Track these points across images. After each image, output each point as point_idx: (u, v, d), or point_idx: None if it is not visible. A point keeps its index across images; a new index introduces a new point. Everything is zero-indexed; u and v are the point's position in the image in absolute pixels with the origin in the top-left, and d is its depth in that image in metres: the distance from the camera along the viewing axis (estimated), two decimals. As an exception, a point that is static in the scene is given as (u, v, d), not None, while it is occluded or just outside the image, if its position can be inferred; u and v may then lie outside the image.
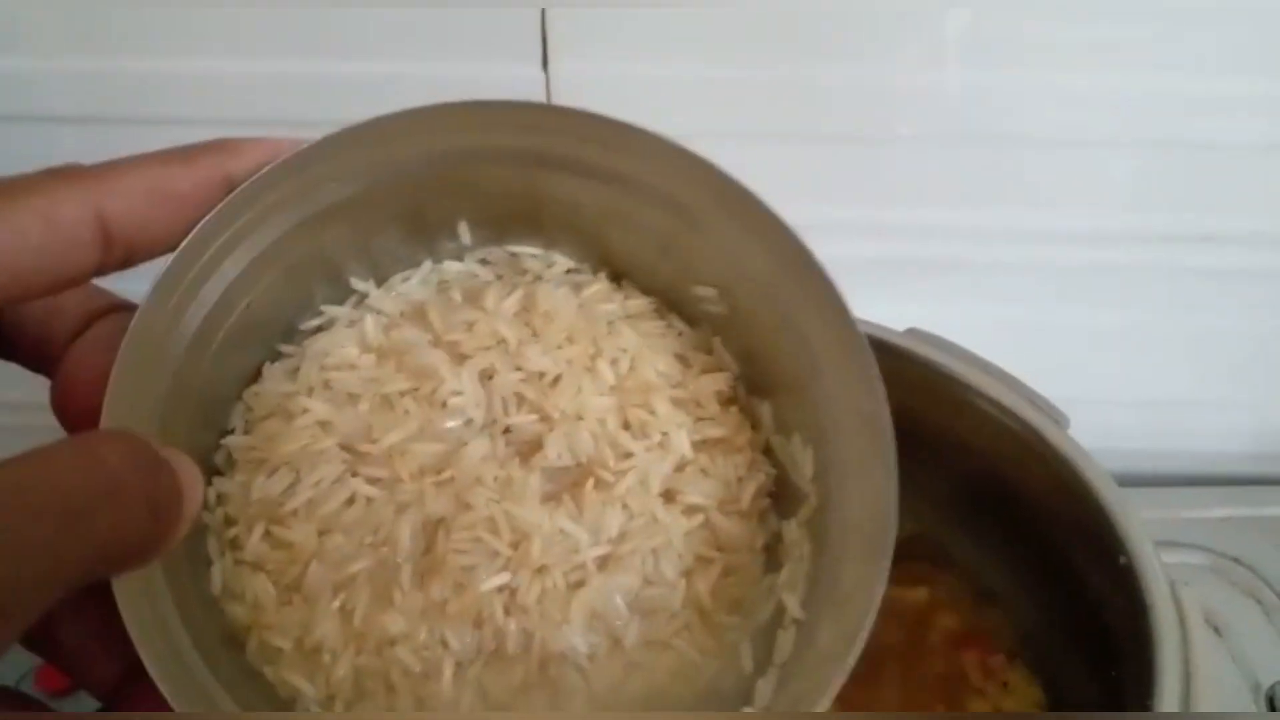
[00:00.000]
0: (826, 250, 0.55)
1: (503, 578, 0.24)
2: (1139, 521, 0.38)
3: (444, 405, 0.25)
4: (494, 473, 0.24)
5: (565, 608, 0.24)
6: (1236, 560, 0.60)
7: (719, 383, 0.28)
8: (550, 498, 0.25)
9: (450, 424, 0.25)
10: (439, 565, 0.24)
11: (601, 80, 0.51)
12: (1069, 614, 0.42)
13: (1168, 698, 0.33)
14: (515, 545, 0.24)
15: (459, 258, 0.28)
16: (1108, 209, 0.56)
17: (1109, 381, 0.62)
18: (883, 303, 0.56)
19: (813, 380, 0.26)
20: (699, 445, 0.27)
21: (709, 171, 0.25)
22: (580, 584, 0.24)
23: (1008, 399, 0.42)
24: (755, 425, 0.28)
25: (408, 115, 0.25)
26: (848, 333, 0.25)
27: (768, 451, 0.28)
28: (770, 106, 0.53)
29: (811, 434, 0.27)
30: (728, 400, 0.28)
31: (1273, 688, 0.52)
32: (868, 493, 0.24)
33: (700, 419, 0.28)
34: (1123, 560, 0.37)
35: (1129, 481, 0.62)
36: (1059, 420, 0.42)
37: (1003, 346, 0.59)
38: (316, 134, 0.25)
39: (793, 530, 0.26)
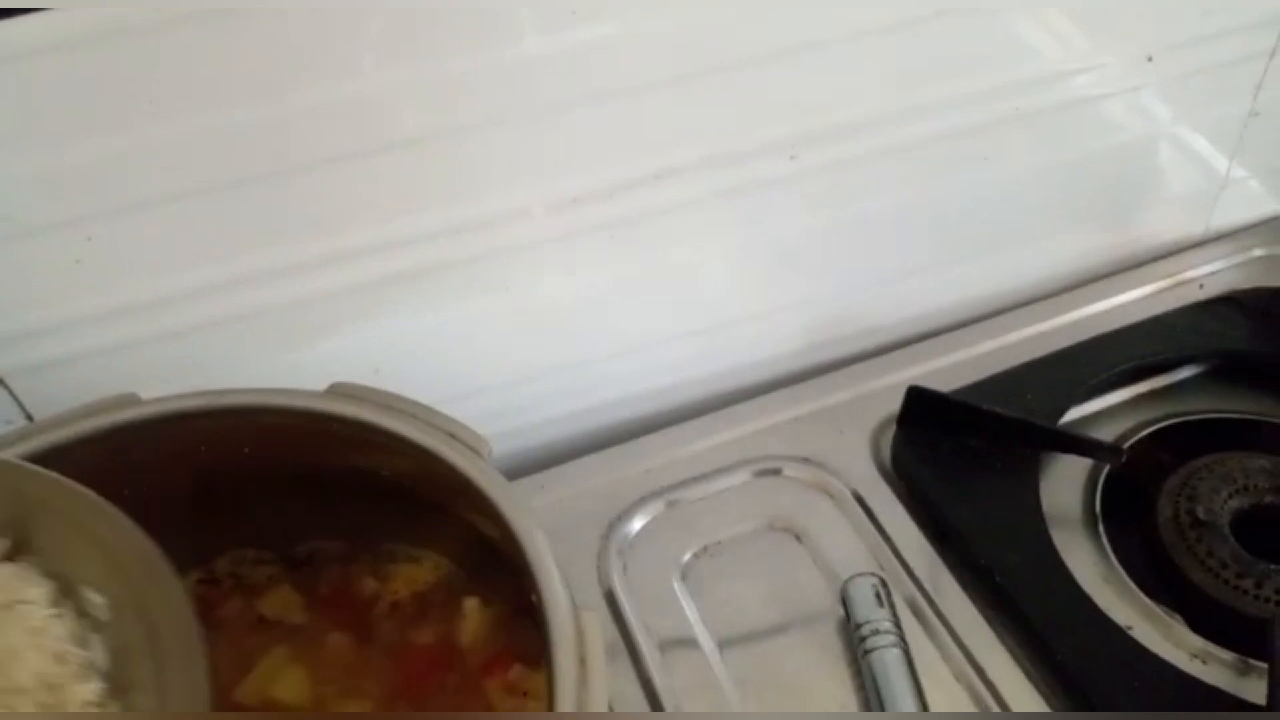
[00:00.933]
0: (286, 292, 0.51)
1: None
2: (547, 554, 0.36)
3: None
4: None
5: None
6: (806, 459, 0.60)
7: (86, 693, 0.31)
8: None
9: None
10: None
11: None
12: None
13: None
14: None
15: None
16: (610, 163, 0.53)
17: (653, 323, 0.61)
18: (334, 337, 0.53)
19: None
20: None
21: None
22: None
23: (428, 441, 0.40)
24: None
25: None
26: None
27: None
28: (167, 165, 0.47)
29: None
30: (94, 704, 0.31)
31: (844, 586, 0.53)
32: None
33: None
34: (534, 597, 0.35)
35: (697, 410, 0.62)
36: (479, 449, 0.39)
37: (524, 327, 0.57)
38: None
39: None
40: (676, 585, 0.55)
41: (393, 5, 0.43)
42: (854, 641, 0.52)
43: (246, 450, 0.43)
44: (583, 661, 0.33)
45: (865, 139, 0.55)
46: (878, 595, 0.52)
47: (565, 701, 0.31)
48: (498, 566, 0.43)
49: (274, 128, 0.46)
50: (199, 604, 0.48)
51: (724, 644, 0.53)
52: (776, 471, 0.60)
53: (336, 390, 0.42)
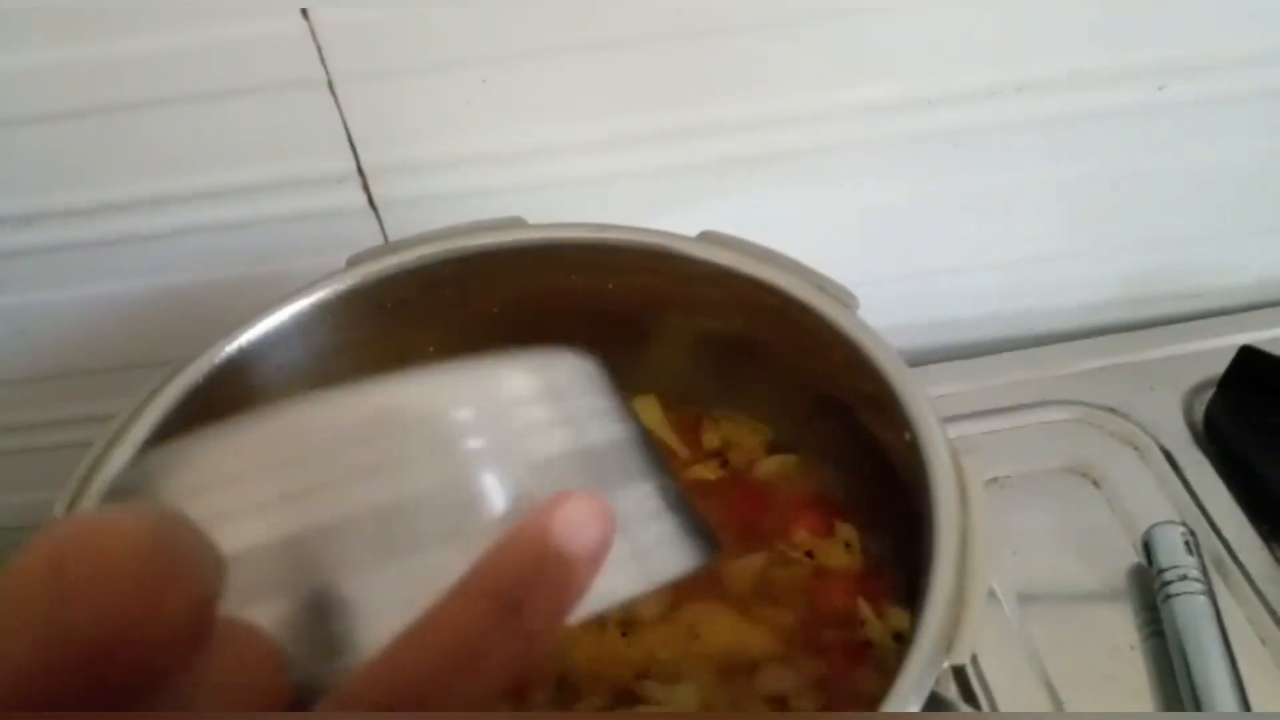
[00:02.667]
0: (658, 158, 0.54)
1: None
2: (922, 395, 0.37)
3: None
4: None
5: None
6: (1111, 410, 0.59)
7: None
8: None
9: None
10: None
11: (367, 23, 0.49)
12: (882, 484, 0.41)
13: (943, 557, 0.32)
14: None
15: None
16: (942, 71, 0.53)
17: (966, 247, 0.61)
18: (732, 199, 0.55)
19: None
20: None
21: None
22: None
23: (798, 290, 0.41)
24: None
25: None
26: None
27: None
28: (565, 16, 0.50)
29: None
30: None
31: (1148, 532, 0.52)
32: None
33: None
34: (908, 436, 0.36)
35: (1000, 346, 0.62)
36: (848, 303, 0.40)
37: (847, 229, 0.58)
38: None
39: None
40: (964, 508, 0.55)
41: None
42: (1155, 588, 0.50)
43: (610, 285, 0.46)
44: (963, 493, 0.33)
45: (1243, 77, 0.53)
46: (1187, 544, 0.50)
47: (949, 531, 0.32)
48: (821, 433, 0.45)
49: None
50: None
51: (1004, 571, 0.52)
52: (1078, 417, 0.59)
53: (707, 237, 0.44)
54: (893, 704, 0.29)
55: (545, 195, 0.54)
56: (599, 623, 0.45)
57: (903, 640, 0.42)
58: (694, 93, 0.53)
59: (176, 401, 0.39)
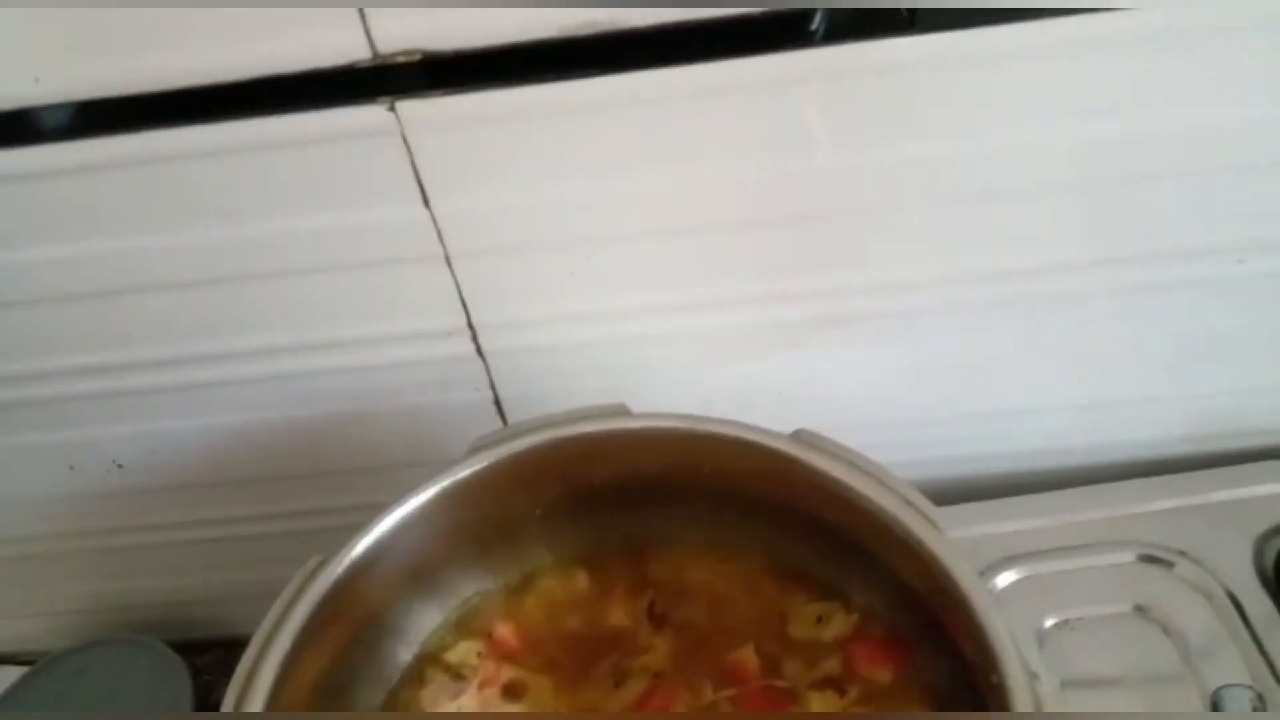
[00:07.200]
0: (750, 317, 0.57)
1: None
2: (1008, 631, 0.39)
3: None
4: None
5: None
6: (1182, 553, 0.61)
7: None
8: None
9: None
10: None
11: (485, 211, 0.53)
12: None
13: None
14: None
15: None
16: (1028, 249, 0.56)
17: (1039, 393, 0.63)
18: (820, 352, 0.59)
19: None
20: None
21: None
22: None
23: (884, 500, 0.44)
24: None
25: None
26: None
27: None
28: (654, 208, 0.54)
29: None
30: None
31: (1217, 693, 0.54)
32: None
33: None
34: (995, 679, 0.38)
35: (1064, 479, 0.64)
36: (933, 521, 0.43)
37: (929, 378, 0.61)
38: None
39: None
40: (1034, 653, 0.57)
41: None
42: (1220, 748, 0.52)
43: (706, 469, 0.49)
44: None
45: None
46: (1254, 709, 0.53)
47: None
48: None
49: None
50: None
51: (1075, 715, 0.55)
52: (1150, 559, 0.61)
53: (800, 437, 0.46)
54: None
55: (638, 349, 0.58)
56: None
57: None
58: (786, 266, 0.56)
59: (315, 605, 0.43)
